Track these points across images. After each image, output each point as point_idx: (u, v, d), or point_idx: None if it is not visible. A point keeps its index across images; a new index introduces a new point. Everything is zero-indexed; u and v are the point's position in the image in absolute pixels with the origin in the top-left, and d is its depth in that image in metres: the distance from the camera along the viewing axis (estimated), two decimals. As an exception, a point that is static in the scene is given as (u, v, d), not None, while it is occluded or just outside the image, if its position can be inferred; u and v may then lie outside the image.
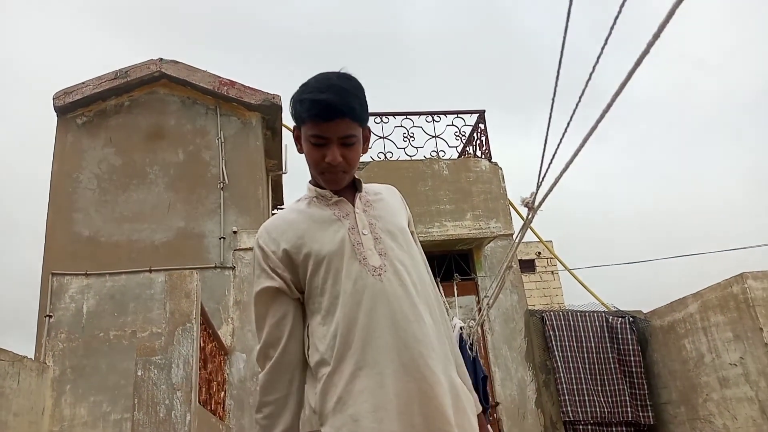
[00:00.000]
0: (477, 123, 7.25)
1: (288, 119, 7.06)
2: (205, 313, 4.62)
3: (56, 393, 3.87)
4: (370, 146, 1.63)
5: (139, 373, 4.25)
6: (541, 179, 1.30)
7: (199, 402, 4.10)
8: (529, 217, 1.37)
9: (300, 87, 1.48)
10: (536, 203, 1.37)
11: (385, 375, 1.31)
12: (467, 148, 7.41)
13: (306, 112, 1.44)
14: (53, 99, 6.19)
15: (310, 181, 1.58)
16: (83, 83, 6.36)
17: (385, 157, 6.77)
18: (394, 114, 6.96)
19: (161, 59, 6.62)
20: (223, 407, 4.91)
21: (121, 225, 5.73)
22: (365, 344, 1.33)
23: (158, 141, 6.33)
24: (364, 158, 6.80)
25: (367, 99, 1.50)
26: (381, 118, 6.92)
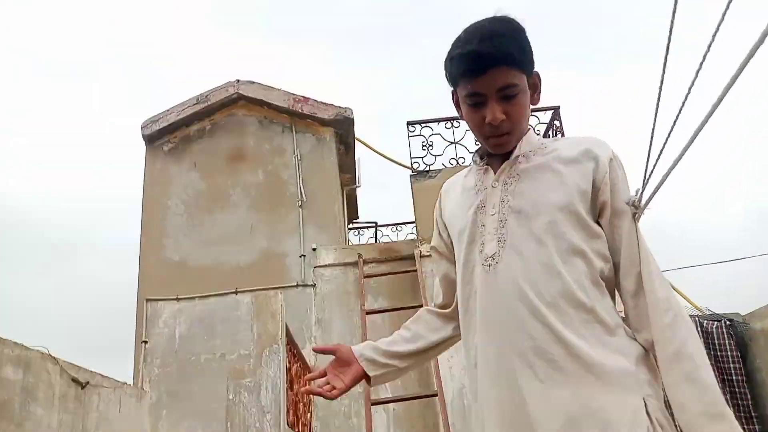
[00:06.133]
0: (552, 120, 7.02)
1: (360, 132, 7.12)
2: (290, 333, 4.75)
3: (153, 418, 4.11)
4: (539, 97, 1.38)
5: (231, 397, 4.44)
6: (648, 175, 1.21)
7: (288, 424, 4.23)
8: (637, 216, 1.28)
9: (452, 44, 1.31)
10: (643, 202, 1.27)
11: (481, 381, 1.27)
12: (544, 149, 7.17)
13: (456, 70, 1.29)
14: (141, 128, 6.55)
15: (476, 141, 1.54)
16: (168, 110, 6.69)
17: (458, 162, 6.69)
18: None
19: (238, 81, 6.85)
20: (310, 429, 5.05)
21: (208, 248, 6.00)
22: (469, 337, 1.33)
23: (239, 162, 6.56)
24: (435, 166, 6.78)
25: (529, 41, 1.31)
26: (452, 123, 6.83)
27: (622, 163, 1.32)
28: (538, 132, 6.96)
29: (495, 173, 1.36)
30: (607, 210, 1.27)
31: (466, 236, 1.35)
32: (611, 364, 1.15)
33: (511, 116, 1.27)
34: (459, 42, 1.28)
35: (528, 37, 1.30)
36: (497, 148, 1.34)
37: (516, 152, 1.34)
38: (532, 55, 1.31)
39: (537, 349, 1.17)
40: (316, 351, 1.50)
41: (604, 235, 1.27)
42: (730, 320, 6.01)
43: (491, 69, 1.23)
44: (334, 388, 1.39)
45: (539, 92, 1.36)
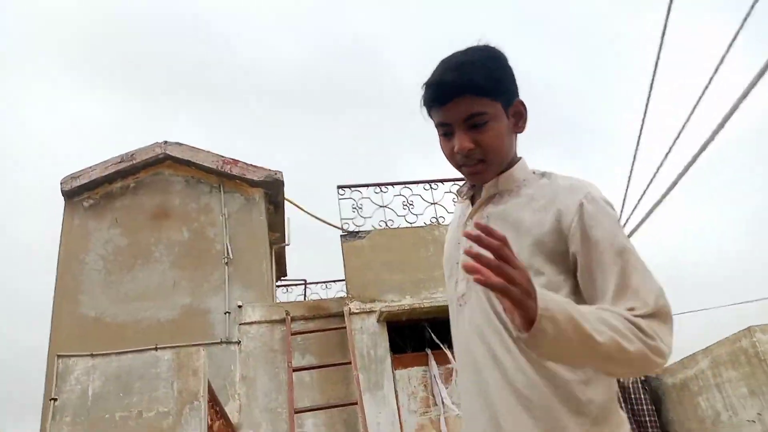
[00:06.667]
0: (475, 188, 7.35)
1: (291, 193, 7.20)
2: (212, 390, 4.58)
3: (61, 479, 3.80)
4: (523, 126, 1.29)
5: (147, 455, 4.17)
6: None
7: (208, 483, 4.00)
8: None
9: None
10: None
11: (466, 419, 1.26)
12: (467, 214, 7.48)
13: (425, 100, 1.26)
14: (60, 184, 6.36)
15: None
16: (90, 167, 6.55)
17: (386, 225, 6.85)
18: (393, 183, 7.11)
19: (166, 142, 6.84)
20: (232, 488, 4.78)
21: (127, 304, 5.76)
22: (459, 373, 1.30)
23: (163, 220, 6.45)
24: (365, 227, 6.92)
25: (508, 68, 1.25)
26: (380, 188, 7.05)
27: (605, 205, 1.18)
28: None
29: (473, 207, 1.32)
30: (580, 262, 1.14)
31: (447, 269, 1.37)
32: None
33: (482, 145, 1.22)
34: (431, 72, 1.26)
35: (506, 65, 1.26)
36: (472, 178, 1.30)
37: (492, 190, 1.28)
38: (509, 82, 1.26)
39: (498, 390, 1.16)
40: None
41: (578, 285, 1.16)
42: (645, 376, 6.30)
43: (456, 98, 1.20)
44: None
45: (525, 120, 1.29)
